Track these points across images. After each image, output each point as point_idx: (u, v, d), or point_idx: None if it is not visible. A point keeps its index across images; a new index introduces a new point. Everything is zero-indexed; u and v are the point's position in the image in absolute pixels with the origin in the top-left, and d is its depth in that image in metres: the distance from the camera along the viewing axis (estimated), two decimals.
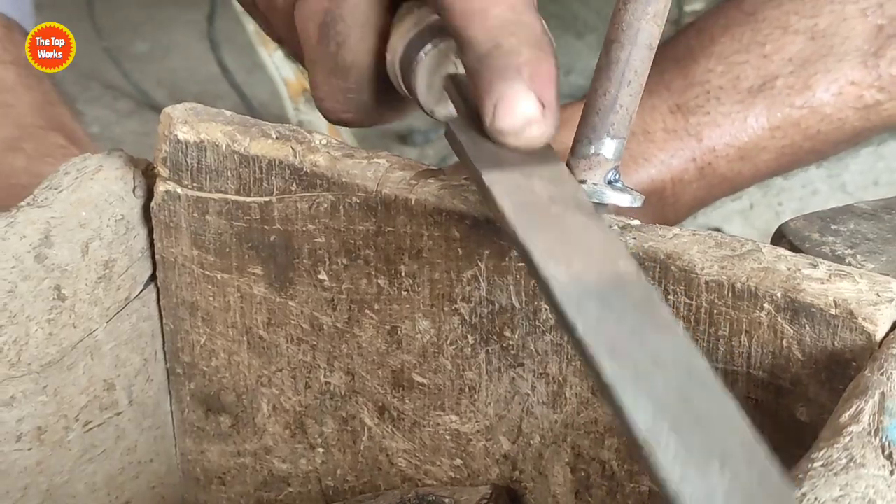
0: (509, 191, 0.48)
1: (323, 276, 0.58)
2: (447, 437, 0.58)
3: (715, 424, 0.39)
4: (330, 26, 0.55)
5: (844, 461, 0.42)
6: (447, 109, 0.54)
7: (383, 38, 0.55)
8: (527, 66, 0.49)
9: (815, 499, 0.41)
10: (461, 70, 0.52)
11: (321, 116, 0.59)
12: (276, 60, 1.10)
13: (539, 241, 0.45)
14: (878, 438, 0.42)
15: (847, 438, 0.42)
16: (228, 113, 0.60)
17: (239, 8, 1.09)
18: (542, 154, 0.50)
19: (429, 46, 0.54)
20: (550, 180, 0.49)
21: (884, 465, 0.41)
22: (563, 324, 0.43)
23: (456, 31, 0.51)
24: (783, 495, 0.38)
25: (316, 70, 0.57)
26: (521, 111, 0.49)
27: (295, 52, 0.61)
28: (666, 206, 0.80)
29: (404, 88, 0.55)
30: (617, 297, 0.43)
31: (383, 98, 0.56)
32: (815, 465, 0.42)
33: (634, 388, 0.40)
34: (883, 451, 0.42)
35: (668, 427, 0.39)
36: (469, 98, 0.51)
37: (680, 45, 0.83)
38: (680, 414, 0.39)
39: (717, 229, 1.10)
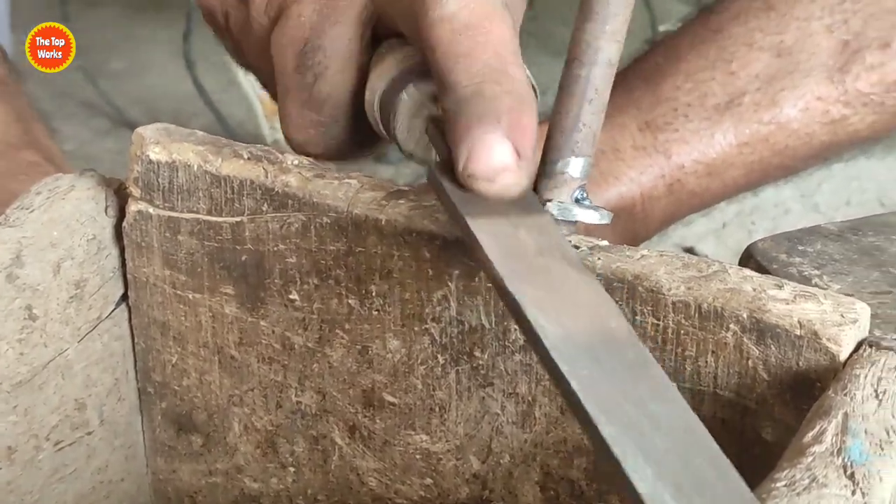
0: (496, 240, 0.46)
1: (294, 295, 0.58)
2: (418, 457, 0.58)
3: (716, 491, 0.39)
4: (309, 56, 0.54)
5: (807, 481, 0.42)
6: (426, 152, 0.53)
7: (362, 73, 0.55)
8: (507, 114, 0.47)
9: None
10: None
11: None
12: (251, 79, 1.10)
13: (528, 293, 0.44)
14: (840, 458, 0.43)
15: (810, 458, 0.43)
16: (200, 133, 0.60)
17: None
18: (527, 203, 0.48)
19: (411, 87, 0.52)
20: (537, 230, 0.47)
21: (846, 486, 0.42)
22: (556, 377, 0.42)
23: (439, 73, 0.49)
24: None
25: (288, 100, 0.56)
26: (496, 157, 0.46)
27: (265, 80, 0.59)
28: (636, 222, 0.81)
29: (382, 128, 0.53)
30: (609, 356, 0.43)
31: (354, 135, 0.56)
32: (778, 484, 0.42)
33: (634, 450, 0.39)
34: (845, 472, 0.42)
35: (670, 493, 0.38)
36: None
37: (649, 63, 0.83)
38: (680, 478, 0.39)
39: (690, 249, 1.11)
